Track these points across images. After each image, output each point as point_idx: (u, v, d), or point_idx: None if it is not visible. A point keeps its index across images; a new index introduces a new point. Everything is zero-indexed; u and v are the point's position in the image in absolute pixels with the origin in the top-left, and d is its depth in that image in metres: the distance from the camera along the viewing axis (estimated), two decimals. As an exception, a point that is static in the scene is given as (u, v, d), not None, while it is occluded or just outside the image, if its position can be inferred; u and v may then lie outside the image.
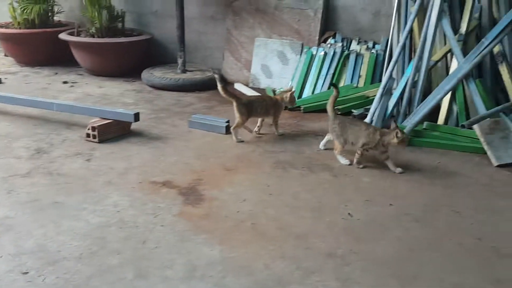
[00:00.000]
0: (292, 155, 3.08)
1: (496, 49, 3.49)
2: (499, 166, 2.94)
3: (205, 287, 1.82)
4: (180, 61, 4.59)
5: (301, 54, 4.40)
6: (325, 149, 3.13)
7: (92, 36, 4.88)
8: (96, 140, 3.16)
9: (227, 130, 3.38)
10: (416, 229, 2.26)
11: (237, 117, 3.24)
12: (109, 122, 3.23)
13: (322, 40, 4.41)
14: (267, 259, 2.00)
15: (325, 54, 4.20)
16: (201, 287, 1.82)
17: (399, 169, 2.85)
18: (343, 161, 2.96)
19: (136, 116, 3.27)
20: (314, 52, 4.28)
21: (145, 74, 4.59)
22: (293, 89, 3.54)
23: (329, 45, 4.29)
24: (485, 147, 3.04)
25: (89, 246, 2.06)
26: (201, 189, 2.59)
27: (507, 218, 2.38)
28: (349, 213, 2.38)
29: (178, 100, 4.18)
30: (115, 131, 3.27)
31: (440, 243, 2.15)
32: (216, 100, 4.19)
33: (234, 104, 3.24)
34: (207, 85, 4.46)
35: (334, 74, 4.14)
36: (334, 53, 4.18)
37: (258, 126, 3.41)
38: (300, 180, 2.74)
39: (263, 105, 3.30)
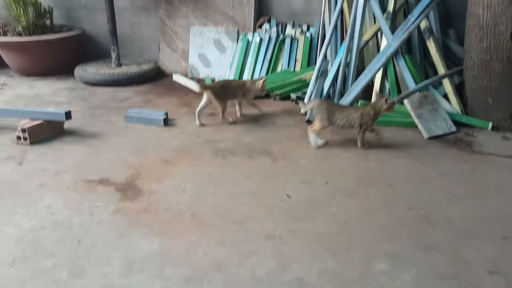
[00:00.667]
0: (232, 142, 3.08)
1: (423, 25, 3.64)
2: (430, 138, 3.09)
3: (144, 280, 1.81)
4: (114, 55, 4.45)
5: (237, 41, 4.40)
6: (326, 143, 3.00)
7: (19, 35, 4.62)
8: (28, 142, 3.02)
9: (166, 123, 3.34)
10: (350, 203, 2.34)
11: (218, 106, 3.32)
12: (40, 123, 3.09)
13: (257, 26, 4.42)
14: (206, 247, 2.00)
15: (261, 40, 4.22)
16: (140, 280, 1.81)
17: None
18: (313, 141, 2.98)
19: (68, 115, 3.15)
20: (250, 39, 4.29)
21: (78, 70, 4.42)
22: (264, 78, 3.52)
23: (264, 31, 4.31)
24: (416, 121, 3.18)
25: (22, 250, 1.99)
26: (139, 183, 2.54)
27: (436, 187, 2.50)
28: (287, 195, 2.43)
29: (114, 96, 4.06)
30: (47, 132, 3.13)
31: (373, 215, 2.24)
32: (153, 93, 4.11)
33: (209, 93, 3.28)
34: (144, 78, 4.37)
35: (271, 59, 4.17)
36: (270, 38, 4.21)
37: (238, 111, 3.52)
38: (240, 167, 2.75)
39: (229, 88, 3.38)
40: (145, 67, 4.48)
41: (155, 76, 4.52)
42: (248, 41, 4.27)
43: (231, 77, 4.22)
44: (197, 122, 3.34)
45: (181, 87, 4.28)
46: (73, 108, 3.65)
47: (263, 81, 3.43)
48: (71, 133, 3.24)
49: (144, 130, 3.29)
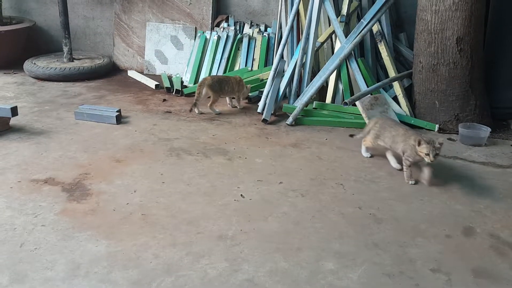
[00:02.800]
0: (186, 141, 3.05)
1: (375, 29, 3.73)
2: (380, 138, 3.18)
3: (89, 285, 1.75)
4: (65, 49, 4.29)
5: (195, 39, 4.35)
6: (371, 156, 2.90)
7: (-37, 25, 4.38)
8: (-32, 139, 2.87)
9: (118, 120, 3.26)
10: (302, 203, 2.37)
11: (211, 96, 3.48)
12: (-18, 119, 2.95)
13: (215, 24, 4.39)
14: (156, 249, 1.97)
15: (219, 38, 4.19)
16: (85, 285, 1.75)
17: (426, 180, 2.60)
18: (365, 153, 2.92)
19: (14, 110, 3.01)
20: (208, 36, 4.25)
21: (28, 64, 4.23)
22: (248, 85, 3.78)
23: (222, 29, 4.28)
24: (367, 122, 3.25)
25: (-42, 256, 1.88)
26: (88, 183, 2.47)
27: (384, 186, 2.58)
28: (241, 195, 2.43)
29: (65, 91, 3.92)
30: (-9, 128, 2.99)
31: (324, 215, 2.27)
32: (106, 89, 4.00)
33: (206, 85, 3.44)
34: (96, 74, 4.25)
35: (228, 58, 4.16)
36: (228, 37, 4.19)
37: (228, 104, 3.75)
38: (194, 166, 2.72)
39: (229, 85, 3.53)
40: (99, 62, 4.35)
41: (109, 72, 4.41)
42: (205, 39, 4.24)
43: (189, 75, 4.17)
44: (196, 111, 3.50)
45: (136, 84, 4.20)
46: (21, 104, 3.52)
47: (249, 86, 3.73)
48: (18, 130, 3.10)
49: (95, 128, 3.19)
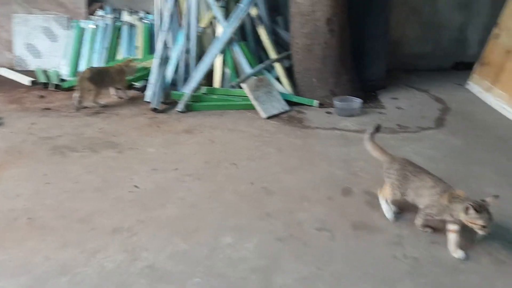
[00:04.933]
0: (71, 138, 2.90)
1: (254, 13, 3.87)
2: (267, 118, 3.34)
3: (-26, 300, 1.63)
4: None
5: (69, 29, 4.10)
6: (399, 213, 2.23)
7: None
8: None
9: (-10, 122, 2.99)
10: (198, 186, 2.42)
11: (92, 89, 3.32)
12: None
13: (90, 13, 4.18)
14: (47, 252, 1.88)
15: (96, 27, 4.01)
16: (-32, 301, 1.62)
17: (460, 253, 1.92)
18: (389, 214, 2.18)
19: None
20: (84, 26, 4.04)
21: None
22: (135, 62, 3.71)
23: (98, 18, 4.10)
24: (254, 103, 3.40)
25: None
26: (-40, 193, 2.25)
27: (273, 162, 2.73)
28: (135, 185, 2.40)
29: None
30: None
31: (219, 195, 2.36)
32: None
33: (86, 78, 3.24)
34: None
35: (109, 47, 4.00)
36: (106, 25, 4.02)
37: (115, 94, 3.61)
38: (81, 163, 2.62)
39: (109, 75, 3.39)
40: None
41: (-27, 71, 3.98)
42: (81, 29, 4.02)
43: (67, 68, 3.93)
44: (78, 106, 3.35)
45: (7, 81, 3.86)
46: None
47: (135, 63, 3.61)
48: None
49: (-37, 133, 2.89)
